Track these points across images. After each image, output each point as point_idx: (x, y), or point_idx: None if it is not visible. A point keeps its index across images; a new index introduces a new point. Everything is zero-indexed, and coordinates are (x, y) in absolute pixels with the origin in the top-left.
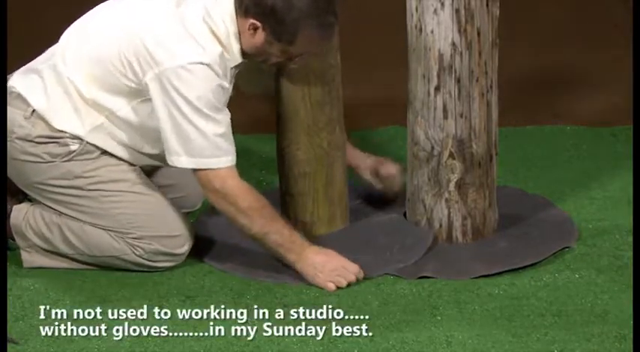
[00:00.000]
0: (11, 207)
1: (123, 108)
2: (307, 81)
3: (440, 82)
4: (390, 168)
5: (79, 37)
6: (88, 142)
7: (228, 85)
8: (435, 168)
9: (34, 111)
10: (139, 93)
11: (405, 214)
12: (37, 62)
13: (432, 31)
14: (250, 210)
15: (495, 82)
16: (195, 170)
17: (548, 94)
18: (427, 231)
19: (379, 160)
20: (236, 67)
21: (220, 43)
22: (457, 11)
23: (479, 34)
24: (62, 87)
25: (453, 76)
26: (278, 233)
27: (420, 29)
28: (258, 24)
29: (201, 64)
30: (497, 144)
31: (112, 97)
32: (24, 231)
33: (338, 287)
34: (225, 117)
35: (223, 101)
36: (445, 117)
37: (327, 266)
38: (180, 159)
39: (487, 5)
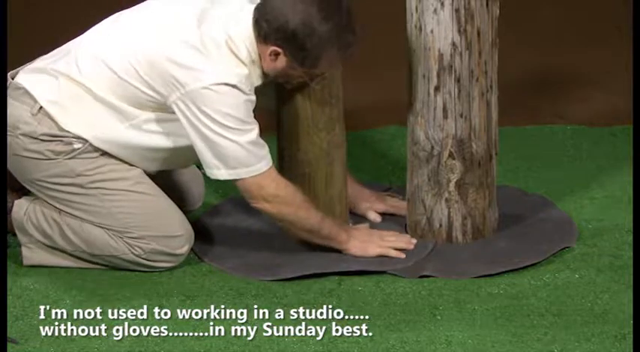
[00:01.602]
0: (12, 202)
1: (140, 116)
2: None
3: (440, 81)
4: (389, 205)
5: (96, 46)
6: (92, 144)
7: (254, 100)
8: (435, 168)
9: (41, 108)
10: (158, 108)
11: (405, 226)
12: (47, 62)
13: (431, 31)
14: (305, 202)
15: (495, 81)
16: (237, 181)
17: (548, 94)
18: (427, 243)
19: (378, 196)
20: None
21: (244, 65)
22: (457, 11)
23: (479, 33)
24: (74, 90)
25: (453, 75)
26: (329, 222)
27: (420, 29)
28: (280, 50)
29: (227, 85)
30: (497, 143)
31: (129, 107)
32: (25, 226)
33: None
34: (254, 126)
35: (250, 114)
36: (445, 117)
37: (372, 241)
38: (220, 172)
39: (487, 5)
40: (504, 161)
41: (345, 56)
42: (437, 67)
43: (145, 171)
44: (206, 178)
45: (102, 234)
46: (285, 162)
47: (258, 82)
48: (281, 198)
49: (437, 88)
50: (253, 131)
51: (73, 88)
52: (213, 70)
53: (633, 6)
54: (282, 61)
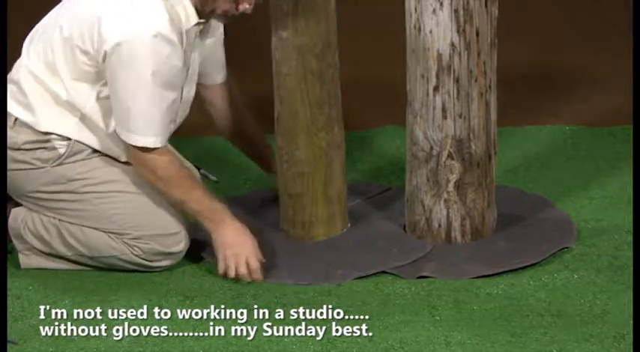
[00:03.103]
0: (9, 210)
1: (91, 99)
2: (306, 81)
3: (439, 82)
4: None
5: (39, 33)
6: (76, 141)
7: (182, 50)
8: (434, 169)
9: (16, 119)
10: (100, 77)
11: (404, 226)
12: (12, 73)
13: (430, 32)
14: (168, 179)
15: (494, 82)
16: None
17: (547, 94)
18: (426, 243)
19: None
20: (198, 24)
21: (170, 3)
22: (456, 11)
23: (478, 34)
24: (35, 87)
25: (452, 76)
26: (196, 202)
27: (419, 29)
28: None
29: (150, 35)
30: (496, 144)
31: (78, 87)
32: (22, 234)
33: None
34: (171, 94)
35: (177, 72)
36: (444, 117)
37: (233, 249)
38: (117, 129)
39: (486, 5)
40: (503, 161)
41: None
42: (436, 68)
43: None
44: (204, 178)
45: (102, 236)
46: (284, 161)
47: (190, 21)
48: (160, 162)
49: (436, 88)
50: (166, 101)
51: (33, 84)
52: (134, 21)
53: (633, 6)
54: None
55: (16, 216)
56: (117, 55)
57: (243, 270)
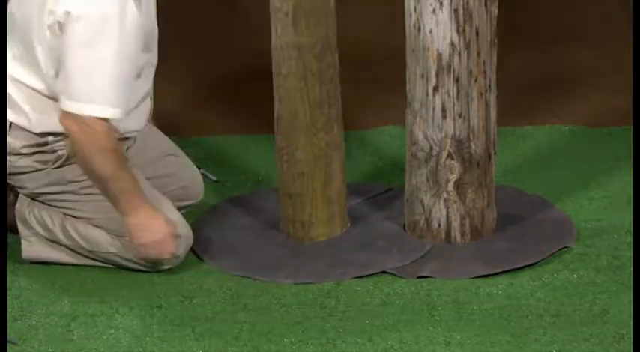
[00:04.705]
0: (16, 196)
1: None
2: (306, 81)
3: (438, 81)
4: None
5: (8, 37)
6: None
7: (137, 10)
8: (434, 168)
9: (11, 124)
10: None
11: (404, 226)
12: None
13: (430, 31)
14: (108, 151)
15: (494, 81)
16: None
17: (546, 94)
18: (426, 243)
19: None
20: None
21: None
22: (455, 11)
23: (477, 33)
24: (24, 89)
25: (452, 75)
26: (125, 181)
27: (419, 29)
28: None
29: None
30: (495, 143)
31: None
32: (27, 218)
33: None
34: (135, 60)
35: (147, 32)
36: (444, 117)
37: (151, 233)
38: (63, 101)
39: (485, 5)
40: (503, 161)
41: None
42: (435, 67)
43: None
44: (204, 178)
45: (103, 233)
46: (284, 161)
47: None
48: (104, 131)
49: (435, 88)
50: (127, 67)
51: (18, 88)
52: None
53: (633, 6)
54: None
55: (23, 202)
56: (84, 22)
57: (164, 256)
